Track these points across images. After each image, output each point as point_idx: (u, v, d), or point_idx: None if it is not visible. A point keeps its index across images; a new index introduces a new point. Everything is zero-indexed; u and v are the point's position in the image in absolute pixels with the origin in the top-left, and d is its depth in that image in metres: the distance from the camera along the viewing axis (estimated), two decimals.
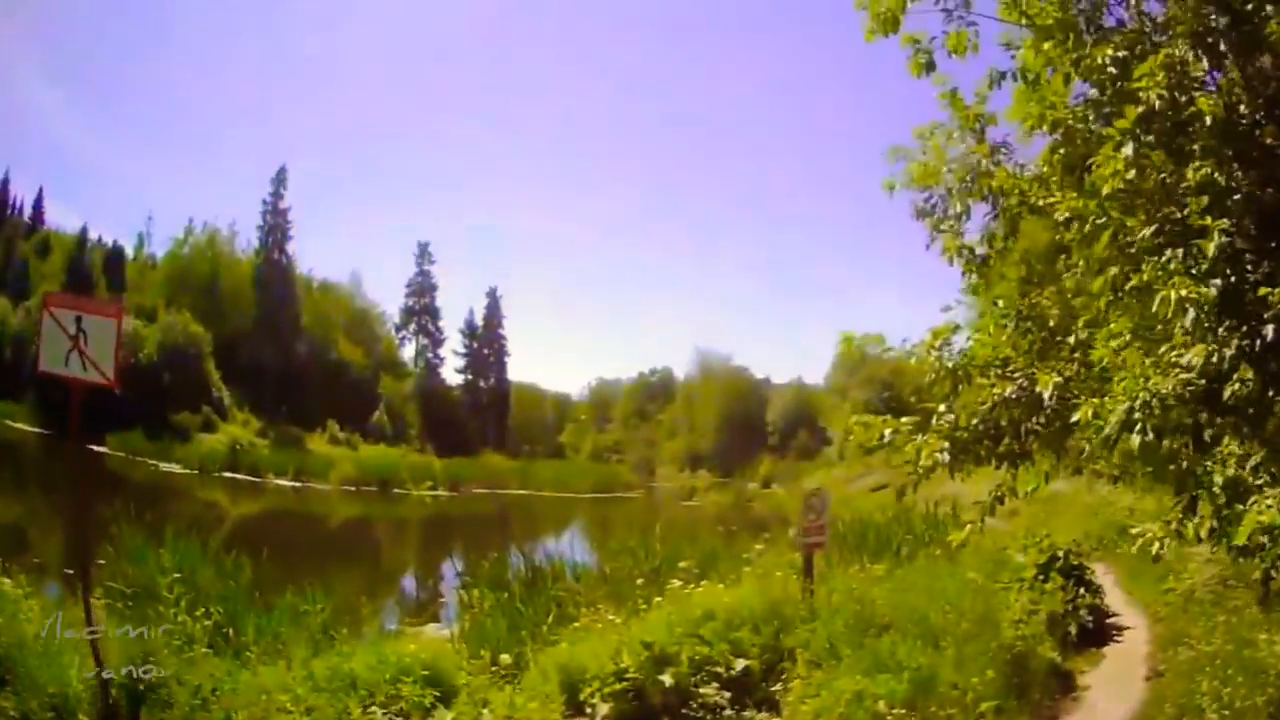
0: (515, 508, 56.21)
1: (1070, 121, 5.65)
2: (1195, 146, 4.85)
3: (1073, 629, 11.79)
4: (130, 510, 13.49)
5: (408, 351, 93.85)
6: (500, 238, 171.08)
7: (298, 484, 52.75)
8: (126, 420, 54.62)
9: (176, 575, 10.27)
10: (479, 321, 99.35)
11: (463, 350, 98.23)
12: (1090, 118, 5.62)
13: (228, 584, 11.49)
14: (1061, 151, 5.83)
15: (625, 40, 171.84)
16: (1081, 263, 5.92)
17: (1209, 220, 4.51)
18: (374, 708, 7.77)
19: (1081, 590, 12.64)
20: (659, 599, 10.95)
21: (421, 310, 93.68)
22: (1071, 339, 5.84)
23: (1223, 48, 5.04)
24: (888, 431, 6.49)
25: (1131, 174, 4.81)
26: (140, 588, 10.56)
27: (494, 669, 9.23)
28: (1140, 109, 4.84)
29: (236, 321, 74.55)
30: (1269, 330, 4.26)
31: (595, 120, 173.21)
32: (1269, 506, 4.33)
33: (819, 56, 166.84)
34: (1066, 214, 5.31)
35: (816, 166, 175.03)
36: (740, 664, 9.22)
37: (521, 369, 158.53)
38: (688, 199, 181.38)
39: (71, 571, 15.83)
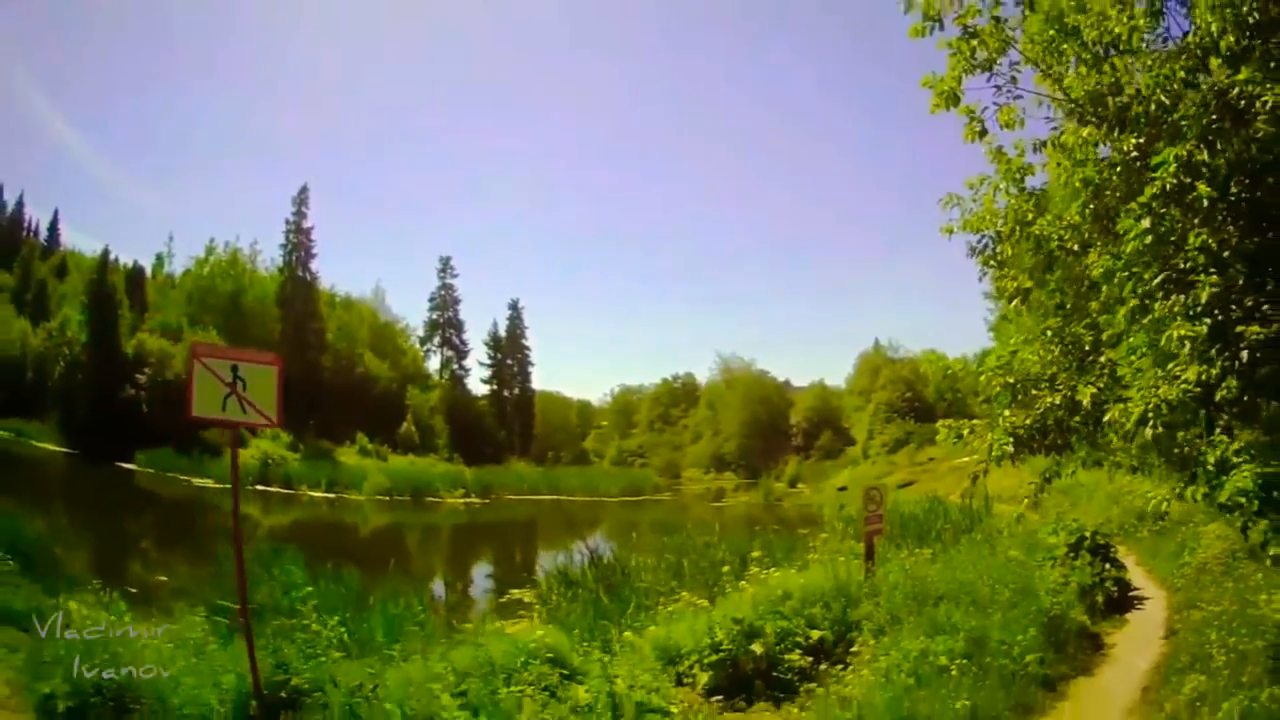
0: (549, 513, 57.11)
1: (1098, 182, 7.02)
2: (1196, 220, 6.20)
3: (1100, 598, 13.10)
4: (166, 526, 14.51)
5: (433, 363, 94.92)
6: (521, 247, 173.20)
7: (331, 495, 53.43)
8: (157, 438, 55.58)
9: (309, 589, 10.87)
10: (502, 333, 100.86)
11: (488, 361, 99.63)
12: (1115, 180, 6.96)
13: (340, 591, 12.52)
14: (1091, 206, 7.20)
15: (646, 42, 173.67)
16: (1106, 296, 7.24)
17: (1203, 277, 5.96)
18: (517, 686, 8.68)
19: (1107, 565, 14.03)
20: (742, 584, 12.32)
21: (445, 323, 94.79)
22: (1102, 358, 7.21)
23: (1219, 146, 6.35)
24: (965, 431, 7.82)
25: (1149, 239, 6.19)
26: (257, 603, 11.00)
27: (590, 648, 10.28)
28: (1155, 189, 6.19)
29: (261, 338, 74.04)
30: (1244, 354, 5.71)
31: (615, 126, 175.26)
32: (1244, 476, 5.84)
33: (848, 64, 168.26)
34: (1098, 267, 6.73)
35: (836, 172, 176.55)
36: (816, 634, 10.56)
37: (545, 377, 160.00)
38: (708, 204, 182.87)
39: (134, 590, 17.03)
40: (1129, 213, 6.37)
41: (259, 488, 52.89)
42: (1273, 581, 7.86)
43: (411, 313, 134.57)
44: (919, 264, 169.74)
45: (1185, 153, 6.07)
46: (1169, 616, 12.46)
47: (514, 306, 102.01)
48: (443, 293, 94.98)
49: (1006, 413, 7.55)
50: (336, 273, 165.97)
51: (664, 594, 13.60)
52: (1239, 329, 5.83)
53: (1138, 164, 6.60)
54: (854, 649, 10.56)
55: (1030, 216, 7.59)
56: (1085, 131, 6.96)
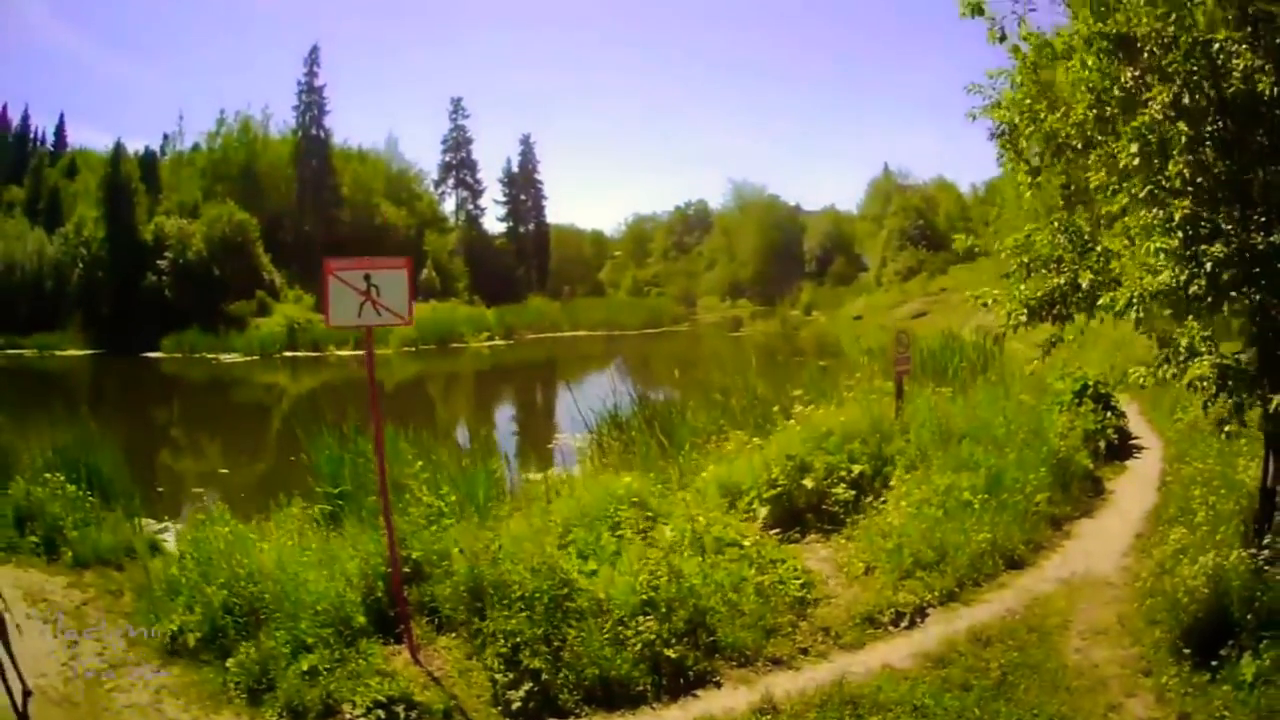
0: (572, 349, 58.37)
1: (1100, 92, 8.12)
2: (1175, 151, 7.39)
3: (1102, 444, 14.26)
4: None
5: (448, 205, 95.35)
6: (531, 85, 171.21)
7: (359, 352, 52.40)
8: (182, 320, 56.19)
9: (421, 470, 10.94)
10: (515, 169, 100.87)
11: (502, 199, 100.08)
12: (1115, 96, 8.06)
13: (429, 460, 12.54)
14: (1094, 111, 8.32)
15: None
16: (1104, 198, 8.44)
17: (1175, 202, 7.26)
18: (621, 529, 9.76)
19: (1109, 414, 15.17)
20: (790, 422, 13.56)
21: (459, 164, 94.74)
22: (1098, 247, 8.49)
23: (1197, 96, 7.45)
24: (990, 300, 9.14)
25: (1137, 160, 7.41)
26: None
27: (667, 489, 11.52)
28: (1145, 119, 7.38)
29: (277, 202, 75.83)
30: (1208, 265, 7.05)
31: None
32: (1203, 364, 7.32)
33: None
34: (1095, 177, 7.98)
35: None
36: (857, 468, 11.88)
37: (558, 210, 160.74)
38: (715, 34, 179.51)
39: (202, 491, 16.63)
40: (1123, 134, 7.59)
41: (287, 354, 53.13)
42: (1254, 448, 9.07)
43: (425, 157, 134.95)
44: (923, 82, 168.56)
45: (1170, 96, 7.24)
46: (1163, 469, 13.55)
47: (525, 141, 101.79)
48: (454, 134, 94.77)
49: (1022, 286, 8.82)
50: (349, 127, 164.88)
51: (714, 433, 14.53)
52: (1203, 247, 7.18)
53: (1132, 91, 7.71)
54: (890, 483, 11.89)
55: (1043, 115, 8.66)
56: (1090, 59, 7.96)
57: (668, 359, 47.92)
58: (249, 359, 51.87)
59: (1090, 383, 15.72)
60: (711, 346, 57.18)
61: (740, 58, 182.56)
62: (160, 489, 16.85)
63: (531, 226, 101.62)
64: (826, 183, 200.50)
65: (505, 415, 35.22)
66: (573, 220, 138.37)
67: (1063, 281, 8.45)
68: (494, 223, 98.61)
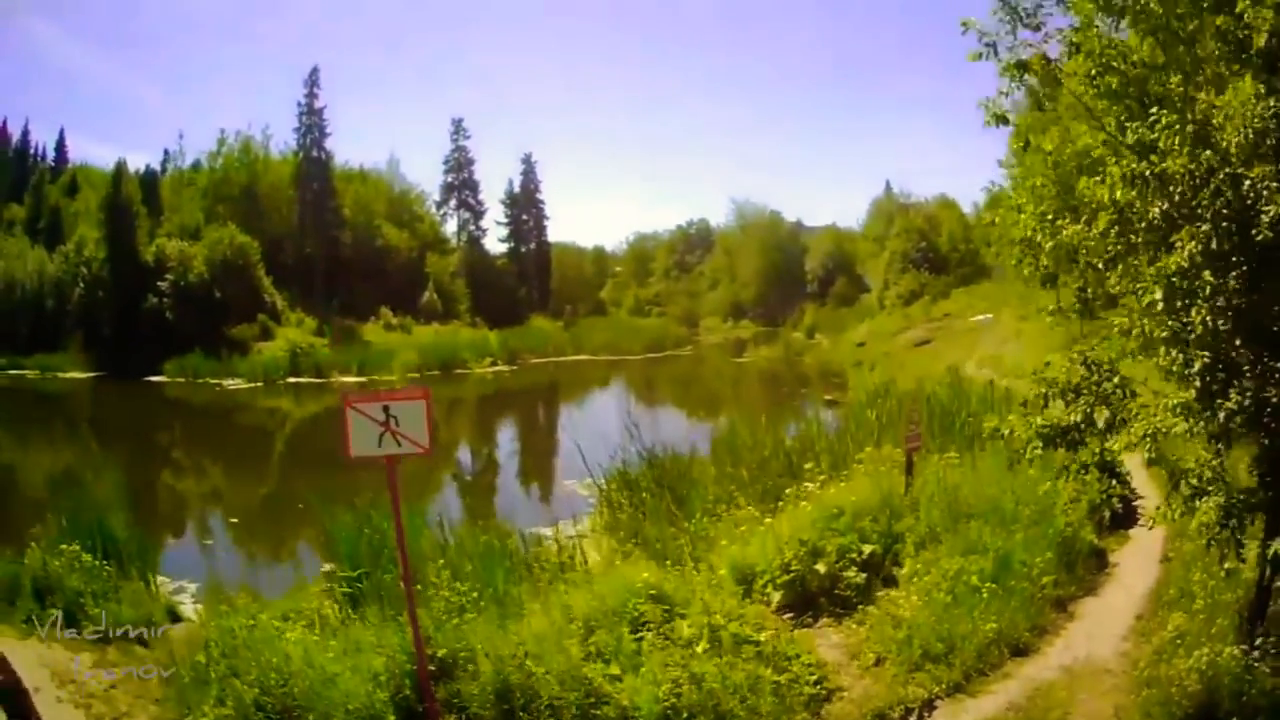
0: (576, 375, 58.32)
1: (1125, 212, 8.19)
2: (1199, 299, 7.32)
3: (1106, 515, 14.24)
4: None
5: (450, 226, 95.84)
6: (531, 103, 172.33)
7: (362, 379, 52.96)
8: (184, 343, 56.10)
9: (441, 562, 11.26)
10: (517, 189, 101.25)
11: (504, 220, 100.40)
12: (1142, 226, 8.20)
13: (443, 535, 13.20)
14: (1116, 229, 8.39)
15: None
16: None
17: (1197, 352, 7.36)
18: (640, 631, 9.77)
19: (1114, 482, 15.28)
20: (802, 501, 13.85)
21: (461, 185, 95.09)
22: (1115, 379, 8.59)
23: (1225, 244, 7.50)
24: (1006, 431, 9.23)
25: (1160, 306, 7.44)
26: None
27: (680, 574, 11.58)
28: (1173, 266, 7.28)
29: (279, 223, 76.16)
30: (1221, 416, 7.22)
31: None
32: (1209, 509, 7.49)
33: None
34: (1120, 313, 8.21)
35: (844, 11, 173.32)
36: (868, 549, 12.11)
37: (560, 228, 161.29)
38: (717, 51, 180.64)
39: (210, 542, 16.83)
40: (1146, 276, 7.66)
41: (291, 380, 53.04)
42: (1254, 529, 9.23)
43: (427, 178, 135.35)
44: (923, 100, 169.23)
45: (1200, 244, 7.30)
46: (1166, 537, 13.44)
47: (527, 160, 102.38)
48: (456, 155, 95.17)
49: (1039, 418, 9.01)
50: (350, 148, 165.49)
51: (726, 500, 14.94)
52: (1218, 401, 7.30)
53: (1161, 227, 7.68)
54: (900, 560, 12.24)
55: (1064, 227, 8.61)
56: (1120, 190, 8.06)
57: (673, 389, 48.24)
58: (253, 385, 51.79)
59: (1097, 450, 15.74)
60: (715, 373, 57.30)
61: (743, 70, 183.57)
62: (172, 537, 17.21)
63: (533, 246, 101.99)
64: (829, 198, 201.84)
65: (510, 450, 35.39)
66: (575, 237, 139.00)
67: (1079, 418, 8.59)
68: (496, 243, 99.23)
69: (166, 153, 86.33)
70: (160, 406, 47.82)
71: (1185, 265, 7.25)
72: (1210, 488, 7.61)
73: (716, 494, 15.72)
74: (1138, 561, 13.36)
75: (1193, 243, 7.22)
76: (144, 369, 54.36)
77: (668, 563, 12.18)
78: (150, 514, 23.49)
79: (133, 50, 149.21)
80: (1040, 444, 8.81)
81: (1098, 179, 8.03)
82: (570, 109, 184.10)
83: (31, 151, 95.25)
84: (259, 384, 52.31)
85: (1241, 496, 7.61)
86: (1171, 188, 7.55)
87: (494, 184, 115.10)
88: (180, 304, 60.44)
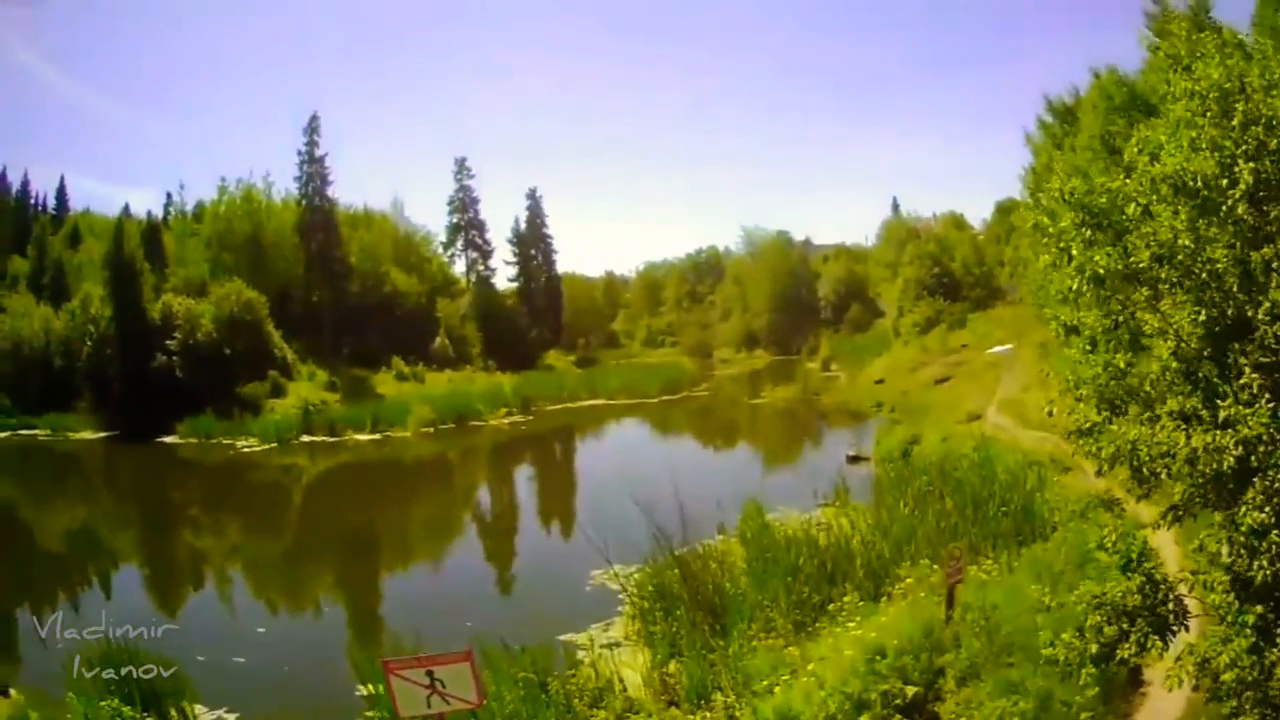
0: (592, 424, 57.35)
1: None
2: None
3: None
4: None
5: (459, 267, 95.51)
6: (535, 138, 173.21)
7: (376, 436, 51.88)
8: (195, 403, 55.09)
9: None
10: (523, 226, 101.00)
11: (512, 258, 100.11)
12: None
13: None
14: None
15: None
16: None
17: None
18: None
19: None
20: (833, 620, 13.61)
21: (467, 225, 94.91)
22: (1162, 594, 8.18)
23: None
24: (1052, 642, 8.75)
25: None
26: None
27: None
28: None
29: (285, 271, 75.25)
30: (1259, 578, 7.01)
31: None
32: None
33: None
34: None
35: (847, 31, 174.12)
36: (910, 690, 11.58)
37: (568, 258, 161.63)
38: (719, 75, 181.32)
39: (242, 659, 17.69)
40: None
41: (304, 439, 52.14)
42: None
43: (432, 219, 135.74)
44: (926, 107, 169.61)
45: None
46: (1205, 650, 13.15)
47: (532, 195, 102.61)
48: (460, 195, 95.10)
49: (1093, 644, 8.60)
50: (352, 191, 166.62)
51: (761, 611, 14.96)
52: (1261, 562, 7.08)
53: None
54: (941, 696, 11.75)
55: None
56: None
57: (691, 441, 47.63)
58: (267, 446, 50.80)
59: (1138, 550, 14.99)
60: (732, 419, 56.68)
61: (746, 87, 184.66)
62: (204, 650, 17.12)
63: (543, 280, 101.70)
64: (836, 211, 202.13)
65: (531, 528, 33.86)
66: (583, 266, 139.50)
67: (1133, 650, 8.36)
68: (505, 280, 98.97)
69: (169, 196, 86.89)
70: (174, 468, 47.90)
71: (1256, 526, 7.13)
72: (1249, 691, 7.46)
73: (752, 601, 15.62)
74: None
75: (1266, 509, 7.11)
76: (155, 429, 53.92)
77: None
78: (175, 597, 24.59)
79: (132, 88, 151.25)
80: (1095, 649, 8.45)
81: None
82: (573, 135, 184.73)
83: (32, 200, 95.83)
84: (273, 445, 51.03)
85: None
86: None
87: (499, 216, 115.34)
88: (190, 362, 59.75)
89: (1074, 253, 8.37)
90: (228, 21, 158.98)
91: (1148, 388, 8.09)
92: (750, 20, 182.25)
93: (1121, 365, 8.34)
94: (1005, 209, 67.16)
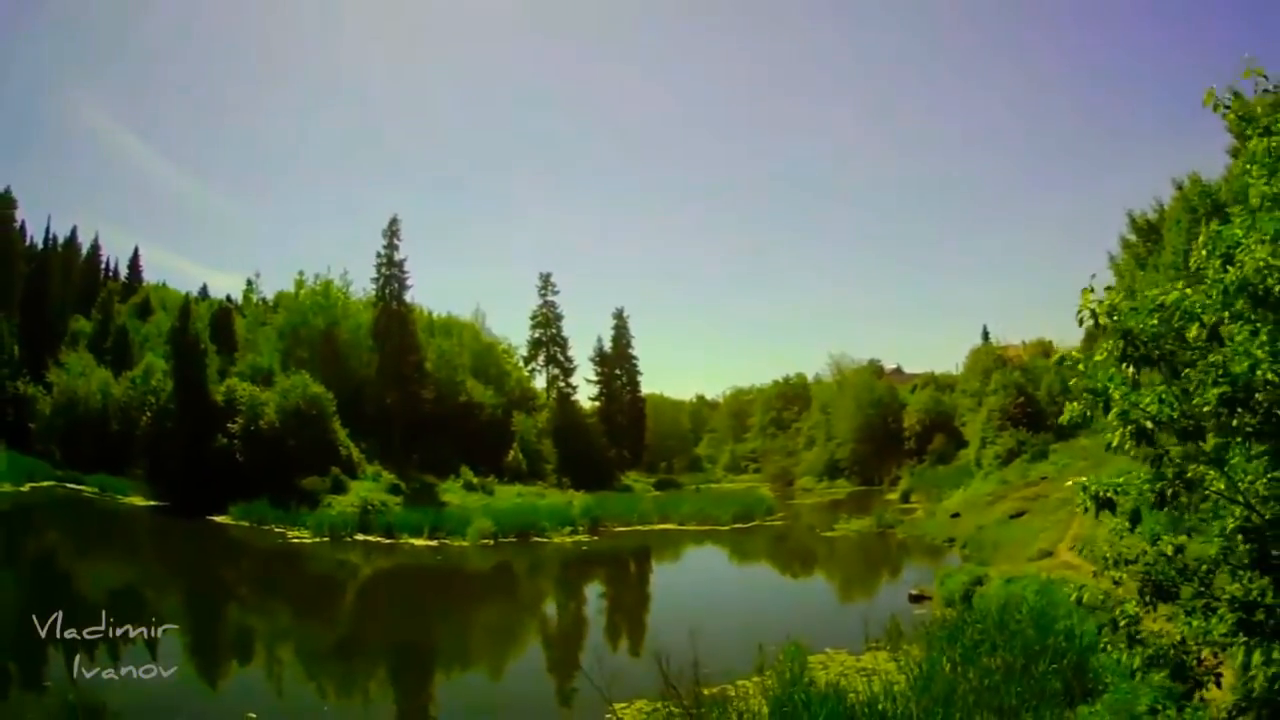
0: (660, 549, 55.27)
1: None
2: None
3: None
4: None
5: (539, 382, 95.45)
6: (624, 261, 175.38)
7: (433, 543, 50.55)
8: (251, 488, 55.19)
9: None
10: (608, 345, 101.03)
11: (595, 377, 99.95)
12: None
13: None
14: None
15: (735, 49, 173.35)
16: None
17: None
18: None
19: None
20: None
21: (549, 340, 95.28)
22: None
23: None
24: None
25: None
26: None
27: None
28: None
29: (358, 369, 75.60)
30: None
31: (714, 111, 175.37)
32: None
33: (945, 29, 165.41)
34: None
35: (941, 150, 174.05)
36: None
37: (657, 379, 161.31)
38: (811, 205, 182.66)
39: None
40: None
41: (360, 537, 51.44)
42: None
43: (514, 332, 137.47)
44: (1018, 244, 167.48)
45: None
46: None
47: (619, 315, 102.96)
48: (544, 310, 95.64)
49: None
50: (434, 296, 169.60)
51: None
52: None
53: None
54: None
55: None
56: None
57: (756, 573, 45.96)
58: (318, 539, 50.32)
59: None
60: (802, 552, 54.48)
61: (840, 220, 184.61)
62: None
63: (626, 400, 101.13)
64: (930, 340, 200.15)
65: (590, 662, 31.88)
66: (672, 389, 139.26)
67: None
68: (587, 400, 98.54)
69: (249, 283, 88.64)
70: (224, 546, 48.17)
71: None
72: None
73: None
74: None
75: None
76: (208, 507, 54.26)
77: None
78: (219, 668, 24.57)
79: (217, 170, 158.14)
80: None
81: None
82: (663, 261, 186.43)
83: (103, 264, 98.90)
84: (325, 539, 50.50)
85: None
86: None
87: (583, 333, 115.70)
88: (250, 448, 60.04)
89: (1113, 395, 6.83)
90: (311, 118, 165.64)
91: (1204, 570, 6.89)
92: (849, 155, 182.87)
93: (1169, 551, 6.89)
94: (1093, 335, 64.87)
